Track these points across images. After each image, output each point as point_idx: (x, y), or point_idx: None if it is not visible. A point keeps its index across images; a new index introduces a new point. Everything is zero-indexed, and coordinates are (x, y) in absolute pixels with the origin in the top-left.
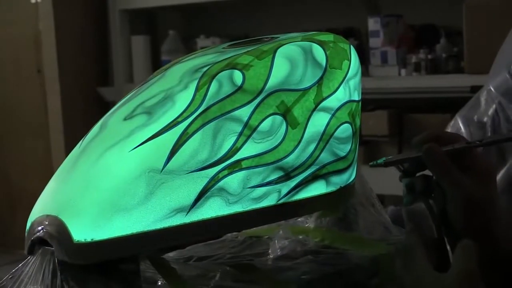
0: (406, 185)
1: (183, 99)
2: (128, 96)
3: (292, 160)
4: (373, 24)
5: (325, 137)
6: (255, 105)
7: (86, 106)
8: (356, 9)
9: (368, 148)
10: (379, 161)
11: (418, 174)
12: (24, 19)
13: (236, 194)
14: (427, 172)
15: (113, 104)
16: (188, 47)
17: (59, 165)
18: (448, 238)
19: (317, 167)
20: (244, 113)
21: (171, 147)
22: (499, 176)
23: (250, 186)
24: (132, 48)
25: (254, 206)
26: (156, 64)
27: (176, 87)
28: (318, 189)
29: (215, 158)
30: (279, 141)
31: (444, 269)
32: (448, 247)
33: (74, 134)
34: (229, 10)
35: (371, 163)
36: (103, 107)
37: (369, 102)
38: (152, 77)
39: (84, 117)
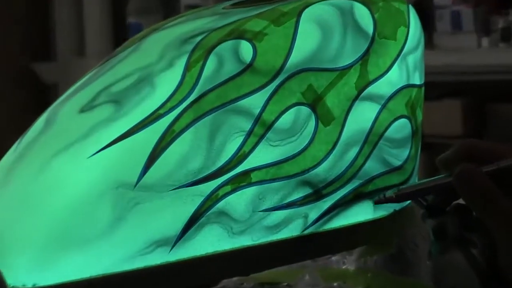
0: (433, 228)
1: (166, 83)
2: (86, 77)
3: (324, 171)
4: None
5: (373, 138)
6: (271, 91)
7: (15, 89)
8: None
9: (432, 154)
10: (387, 194)
11: (449, 209)
12: None
13: (243, 220)
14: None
15: (55, 87)
16: (167, 6)
17: None
18: None
19: (361, 181)
20: (255, 103)
21: (149, 152)
22: None
23: (263, 209)
24: (83, 8)
25: (269, 238)
26: (120, 30)
27: (156, 65)
28: (361, 213)
29: (213, 168)
30: (305, 144)
31: None
32: None
33: None
34: None
35: (375, 199)
36: (40, 91)
37: (434, 87)
38: (120, 50)
39: (12, 106)
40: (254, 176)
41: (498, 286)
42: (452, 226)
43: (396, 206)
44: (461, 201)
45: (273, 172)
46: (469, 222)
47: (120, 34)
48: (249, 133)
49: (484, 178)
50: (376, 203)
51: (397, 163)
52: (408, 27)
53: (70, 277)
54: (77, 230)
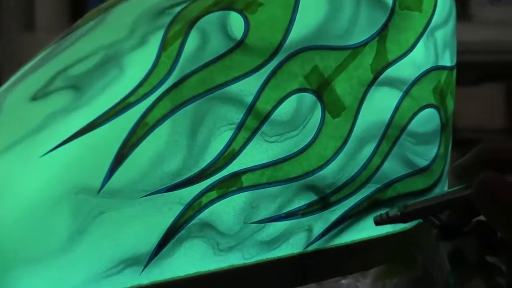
0: (449, 253)
1: (138, 64)
2: (38, 58)
3: (332, 173)
4: None
5: (392, 133)
6: (267, 74)
7: None
8: None
9: (467, 153)
10: (391, 212)
11: (468, 228)
12: None
13: (232, 234)
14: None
15: None
16: None
17: None
18: None
19: (378, 186)
20: (247, 88)
21: (116, 150)
22: None
23: (257, 220)
24: None
25: (264, 255)
26: (78, 0)
27: (125, 42)
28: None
29: (195, 170)
30: (309, 140)
31: None
32: None
33: None
34: None
35: (376, 217)
36: None
37: (469, 69)
38: (80, 24)
39: None
40: (246, 180)
41: None
42: (472, 249)
43: None
44: (482, 218)
45: (269, 175)
46: (492, 244)
47: (78, 4)
48: (240, 126)
49: (510, 190)
50: (377, 224)
51: (423, 163)
52: None
53: None
54: (28, 246)
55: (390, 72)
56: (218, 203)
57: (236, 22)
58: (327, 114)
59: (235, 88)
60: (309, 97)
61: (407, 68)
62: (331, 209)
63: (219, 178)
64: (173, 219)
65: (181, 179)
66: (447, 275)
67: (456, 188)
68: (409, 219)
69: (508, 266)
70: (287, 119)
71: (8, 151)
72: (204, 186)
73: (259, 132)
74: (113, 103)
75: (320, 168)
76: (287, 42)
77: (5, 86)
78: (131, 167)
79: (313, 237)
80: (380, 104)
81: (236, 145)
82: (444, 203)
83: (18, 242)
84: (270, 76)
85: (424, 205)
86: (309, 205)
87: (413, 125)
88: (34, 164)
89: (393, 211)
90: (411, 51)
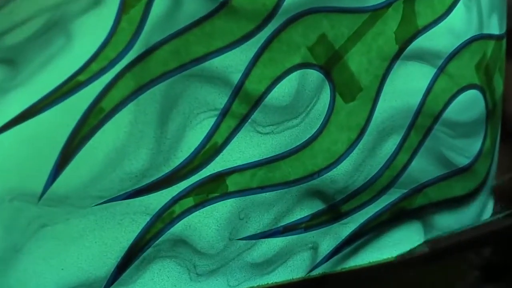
0: None
1: (90, 31)
2: None
3: (344, 175)
4: None
5: (423, 122)
6: (259, 45)
7: None
8: None
9: None
10: (417, 249)
11: None
12: None
13: (214, 253)
14: None
15: None
16: None
17: None
18: None
19: (404, 191)
20: (233, 63)
21: (62, 144)
22: None
23: (246, 236)
24: None
25: (256, 281)
26: None
27: (73, 2)
28: (405, 242)
29: (166, 170)
30: (315, 131)
31: None
32: None
33: None
34: None
35: (398, 256)
36: None
37: None
38: None
39: None
40: (232, 182)
41: None
42: None
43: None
44: None
45: (262, 176)
46: None
47: None
48: (224, 112)
49: None
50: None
51: (463, 161)
52: None
53: None
54: None
55: (421, 42)
56: (195, 213)
57: None
58: (338, 97)
59: (217, 62)
60: (314, 75)
61: (443, 37)
62: (343, 221)
63: (197, 181)
64: (136, 233)
65: (147, 182)
66: None
67: (502, 214)
68: (440, 258)
69: None
70: (285, 103)
71: None
72: (177, 192)
73: (249, 120)
74: (59, 82)
75: (329, 167)
76: (286, 2)
77: None
78: (82, 166)
79: (319, 258)
80: (407, 85)
81: (219, 137)
82: (489, 234)
83: None
84: (263, 47)
85: (460, 239)
86: (314, 216)
87: (450, 112)
88: None
89: (420, 248)
90: (447, 15)
